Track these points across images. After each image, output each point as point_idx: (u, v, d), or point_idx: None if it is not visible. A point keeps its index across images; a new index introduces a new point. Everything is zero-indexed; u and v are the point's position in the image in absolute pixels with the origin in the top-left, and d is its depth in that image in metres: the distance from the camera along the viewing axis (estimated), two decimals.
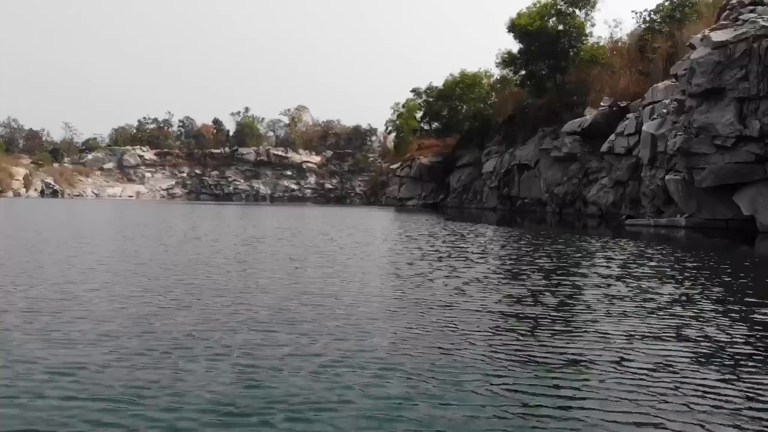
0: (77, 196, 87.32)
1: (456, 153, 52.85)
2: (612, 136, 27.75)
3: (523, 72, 40.22)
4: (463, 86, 51.78)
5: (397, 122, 64.27)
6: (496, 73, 49.93)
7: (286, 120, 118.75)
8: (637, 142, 25.81)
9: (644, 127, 24.33)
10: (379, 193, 65.07)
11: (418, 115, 67.25)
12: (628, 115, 27.58)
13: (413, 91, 68.61)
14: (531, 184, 37.66)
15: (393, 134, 67.57)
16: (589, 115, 30.46)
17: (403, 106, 64.55)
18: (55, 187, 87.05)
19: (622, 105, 29.71)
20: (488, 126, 47.68)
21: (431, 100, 64.71)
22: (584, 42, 37.76)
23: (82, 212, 31.22)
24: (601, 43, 39.53)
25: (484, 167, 44.77)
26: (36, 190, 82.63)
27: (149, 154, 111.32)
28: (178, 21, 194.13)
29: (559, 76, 37.70)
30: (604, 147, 27.93)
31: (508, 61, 41.34)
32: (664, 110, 23.93)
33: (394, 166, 60.99)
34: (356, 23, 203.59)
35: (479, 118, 49.87)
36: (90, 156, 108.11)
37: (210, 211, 36.65)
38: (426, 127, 67.19)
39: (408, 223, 23.85)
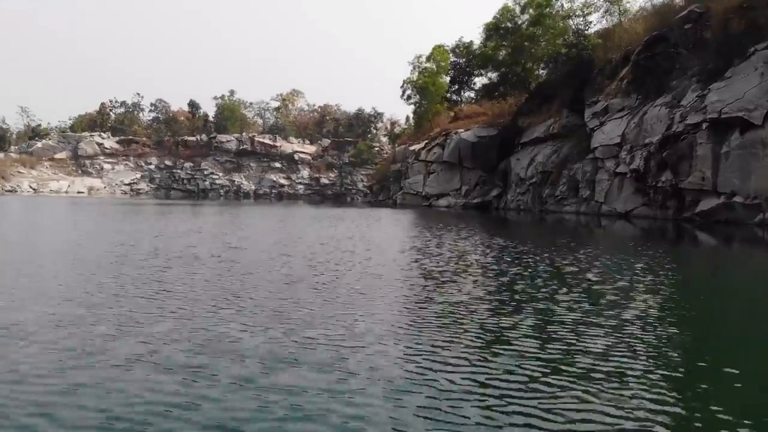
0: (9, 191, 69.72)
1: (520, 121, 32.72)
2: None
3: None
4: (538, 11, 30.81)
5: (420, 82, 43.36)
6: None
7: (276, 105, 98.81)
8: None
9: None
10: (391, 188, 44.51)
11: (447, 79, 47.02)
12: None
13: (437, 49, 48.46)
14: (747, 164, 17.12)
15: (413, 103, 45.99)
16: None
17: (429, 59, 43.73)
18: None
19: None
20: (587, 70, 27.46)
21: (461, 62, 44.65)
22: None
23: None
24: None
25: (593, 138, 24.46)
26: None
27: (110, 142, 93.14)
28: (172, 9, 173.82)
29: None
30: None
31: None
32: None
33: (415, 148, 40.57)
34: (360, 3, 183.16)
35: (568, 59, 29.40)
36: (39, 144, 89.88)
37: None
38: (455, 97, 47.11)
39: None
